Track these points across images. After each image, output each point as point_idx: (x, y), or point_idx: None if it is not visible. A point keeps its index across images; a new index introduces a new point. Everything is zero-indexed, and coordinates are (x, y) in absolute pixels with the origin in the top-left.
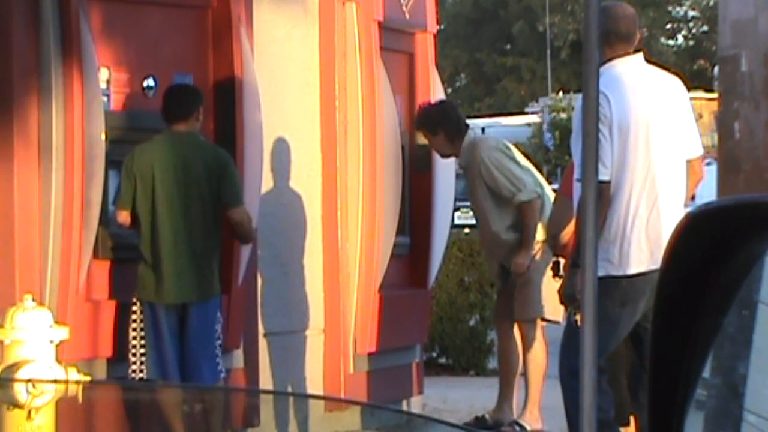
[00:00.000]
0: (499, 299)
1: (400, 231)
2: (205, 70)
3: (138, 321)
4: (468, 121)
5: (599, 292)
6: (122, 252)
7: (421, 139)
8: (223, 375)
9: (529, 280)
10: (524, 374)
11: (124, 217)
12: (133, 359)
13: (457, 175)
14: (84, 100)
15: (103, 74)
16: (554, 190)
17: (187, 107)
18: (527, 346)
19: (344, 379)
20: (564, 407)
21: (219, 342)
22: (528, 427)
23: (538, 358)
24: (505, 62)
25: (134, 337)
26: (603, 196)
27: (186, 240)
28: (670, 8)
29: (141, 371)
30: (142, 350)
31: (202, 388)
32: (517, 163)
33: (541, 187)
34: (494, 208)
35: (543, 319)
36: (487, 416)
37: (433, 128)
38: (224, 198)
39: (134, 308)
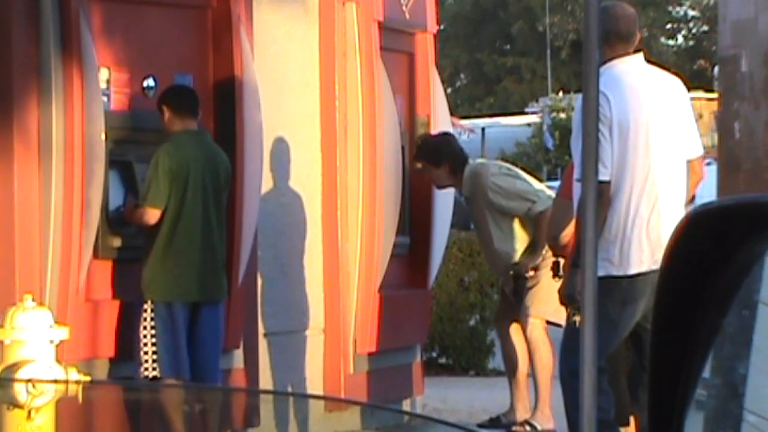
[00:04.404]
0: (502, 302)
1: (400, 231)
2: (205, 70)
3: (149, 320)
4: (468, 121)
5: (599, 292)
6: (123, 252)
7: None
8: (222, 376)
9: (538, 282)
10: (532, 375)
11: (156, 216)
12: (144, 358)
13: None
14: (84, 100)
15: (103, 74)
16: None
17: (197, 107)
18: (534, 346)
19: (344, 379)
20: (564, 407)
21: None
22: (539, 427)
23: (544, 359)
24: (505, 62)
25: (145, 336)
26: (603, 196)
27: (207, 239)
28: (670, 8)
29: (154, 369)
30: (154, 348)
31: (202, 388)
32: (524, 179)
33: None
34: (500, 232)
35: (546, 321)
36: (501, 417)
37: (437, 160)
38: (225, 200)
39: (145, 306)
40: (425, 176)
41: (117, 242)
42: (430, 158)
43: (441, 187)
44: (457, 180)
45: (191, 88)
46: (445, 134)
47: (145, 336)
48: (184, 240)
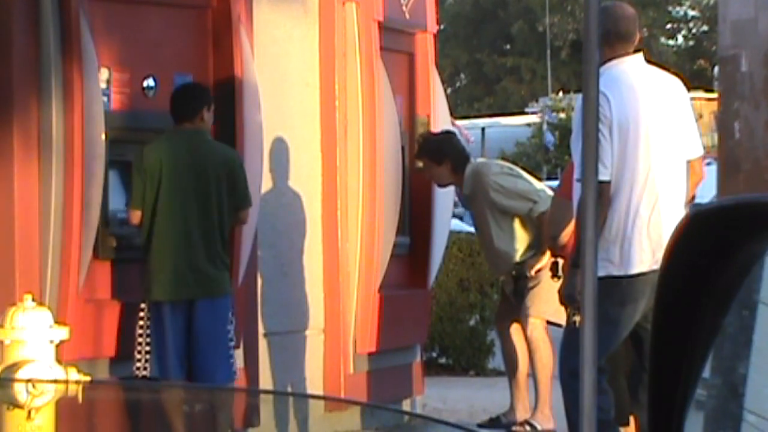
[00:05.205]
0: (502, 302)
1: (400, 231)
2: (205, 70)
3: (145, 319)
4: (468, 121)
5: (600, 292)
6: (123, 252)
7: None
8: (236, 376)
9: (539, 282)
10: (532, 375)
11: (137, 216)
12: (138, 356)
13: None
14: (84, 100)
15: (103, 74)
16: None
17: (190, 107)
18: (534, 346)
19: (344, 379)
20: (564, 407)
21: (232, 343)
22: (539, 427)
23: (545, 359)
24: (505, 62)
25: (140, 335)
26: (603, 196)
27: (187, 237)
28: (670, 8)
29: (145, 369)
30: (148, 348)
31: (201, 388)
32: (525, 179)
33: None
34: (501, 231)
35: (547, 321)
36: (501, 417)
37: (439, 158)
38: (237, 199)
39: (142, 305)
40: (426, 175)
41: (117, 242)
42: (431, 156)
43: (442, 185)
44: (459, 178)
45: (189, 87)
46: (447, 132)
47: (140, 335)
48: (161, 239)
